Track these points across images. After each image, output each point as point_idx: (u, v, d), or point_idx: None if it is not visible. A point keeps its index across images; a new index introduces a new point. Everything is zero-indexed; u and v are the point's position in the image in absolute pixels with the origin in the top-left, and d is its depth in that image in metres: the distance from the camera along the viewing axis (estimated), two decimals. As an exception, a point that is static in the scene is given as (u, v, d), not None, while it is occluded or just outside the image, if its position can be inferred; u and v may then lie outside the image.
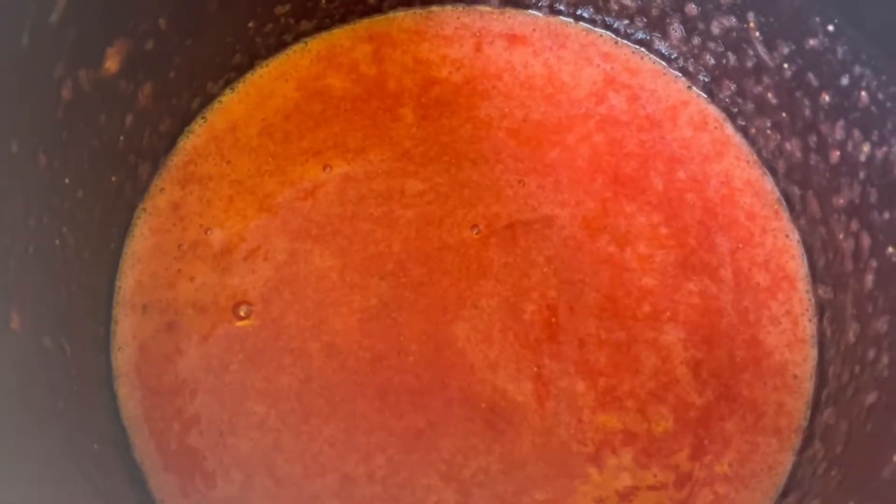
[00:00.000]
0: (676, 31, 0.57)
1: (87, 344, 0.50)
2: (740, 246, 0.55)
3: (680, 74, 0.58)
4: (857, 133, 0.49)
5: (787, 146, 0.54)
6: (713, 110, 0.58)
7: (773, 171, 0.56)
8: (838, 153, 0.51)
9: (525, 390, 0.51)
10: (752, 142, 0.57)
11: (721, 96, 0.57)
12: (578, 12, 0.59)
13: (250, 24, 0.57)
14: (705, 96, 0.58)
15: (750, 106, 0.56)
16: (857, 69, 0.48)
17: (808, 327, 0.53)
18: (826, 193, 0.52)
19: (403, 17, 0.59)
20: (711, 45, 0.56)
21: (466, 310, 0.53)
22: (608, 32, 0.59)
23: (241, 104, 0.57)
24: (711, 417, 0.51)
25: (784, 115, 0.54)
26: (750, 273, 0.54)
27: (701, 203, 0.55)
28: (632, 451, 0.50)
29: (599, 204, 0.55)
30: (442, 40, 0.59)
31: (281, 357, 0.52)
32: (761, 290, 0.54)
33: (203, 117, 0.57)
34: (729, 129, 0.57)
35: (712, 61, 0.57)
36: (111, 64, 0.49)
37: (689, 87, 0.58)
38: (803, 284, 0.54)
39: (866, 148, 0.48)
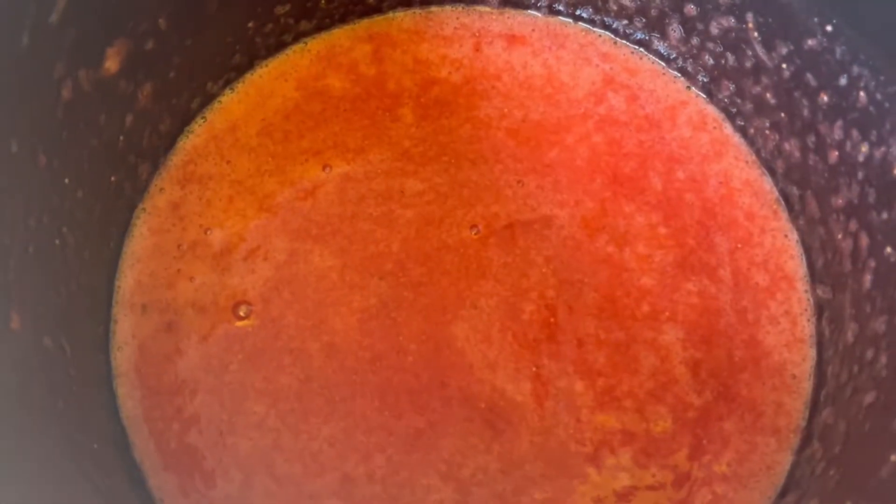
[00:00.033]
0: (675, 31, 0.57)
1: (86, 343, 0.50)
2: (739, 246, 0.55)
3: (679, 74, 0.58)
4: (855, 133, 0.49)
5: (786, 146, 0.54)
6: (712, 110, 0.58)
7: (771, 171, 0.56)
8: (837, 153, 0.51)
9: (524, 390, 0.51)
10: (750, 142, 0.57)
11: (720, 96, 0.57)
12: (577, 12, 0.59)
13: (250, 24, 0.57)
14: (704, 96, 0.58)
15: (749, 106, 0.56)
16: (856, 69, 0.48)
17: (807, 327, 0.53)
18: (825, 193, 0.52)
19: (403, 18, 0.60)
20: (710, 45, 0.56)
21: (465, 310, 0.53)
22: (607, 33, 0.59)
23: (241, 104, 0.58)
24: (710, 417, 0.51)
25: (783, 115, 0.54)
26: (749, 273, 0.54)
27: (700, 203, 0.55)
28: (630, 451, 0.51)
29: (598, 204, 0.55)
30: (441, 40, 0.59)
31: (280, 357, 0.52)
32: (760, 290, 0.54)
33: (203, 117, 0.57)
34: (728, 129, 0.57)
35: (711, 61, 0.57)
36: (111, 64, 0.49)
37: (688, 88, 0.58)
38: (802, 284, 0.54)
39: (865, 148, 0.48)
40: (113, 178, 0.52)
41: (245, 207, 0.55)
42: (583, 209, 0.55)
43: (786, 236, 0.55)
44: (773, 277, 0.54)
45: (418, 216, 0.55)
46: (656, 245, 0.54)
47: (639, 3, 0.57)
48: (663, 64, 0.59)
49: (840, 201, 0.51)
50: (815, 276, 0.54)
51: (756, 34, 0.53)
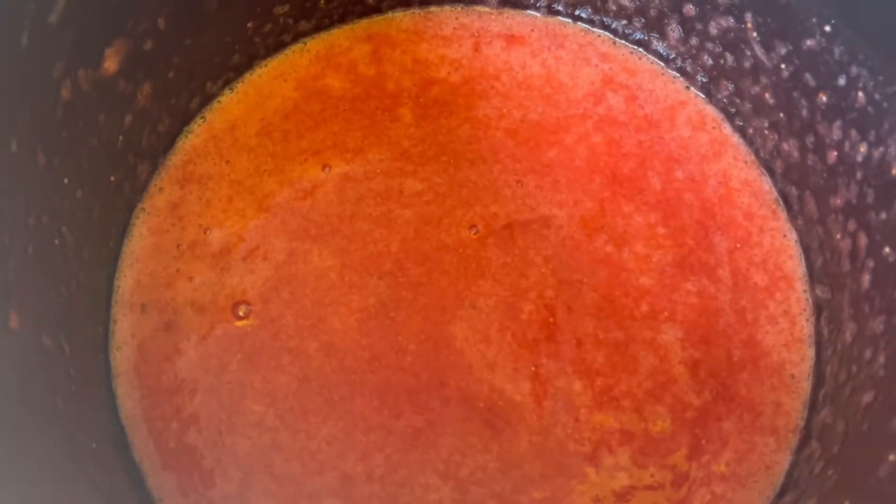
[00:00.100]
0: (674, 31, 0.57)
1: (86, 343, 0.50)
2: (738, 246, 0.55)
3: (678, 75, 0.58)
4: (854, 133, 0.49)
5: (785, 146, 0.54)
6: (711, 110, 0.58)
7: (770, 172, 0.56)
8: (835, 153, 0.51)
9: (523, 390, 0.51)
10: (749, 142, 0.57)
11: (719, 96, 0.57)
12: (577, 13, 0.59)
13: (249, 25, 0.57)
14: (703, 96, 0.58)
15: (748, 106, 0.56)
16: (854, 69, 0.48)
17: (806, 327, 0.53)
18: (823, 193, 0.52)
19: (402, 18, 0.60)
20: (709, 45, 0.56)
21: (464, 309, 0.53)
22: (606, 33, 0.59)
23: (240, 104, 0.58)
24: (709, 417, 0.51)
25: (781, 115, 0.54)
26: (748, 273, 0.54)
27: (699, 203, 0.56)
28: (629, 451, 0.51)
29: (597, 204, 0.55)
30: (440, 40, 0.59)
31: (279, 356, 0.52)
32: (759, 290, 0.54)
33: (202, 117, 0.57)
34: (727, 129, 0.57)
35: (710, 61, 0.57)
36: (110, 64, 0.49)
37: (687, 88, 0.58)
38: (801, 284, 0.54)
39: (863, 148, 0.48)
40: (112, 178, 0.52)
41: (244, 207, 0.55)
42: (582, 209, 0.55)
43: (784, 236, 0.55)
44: (771, 277, 0.54)
45: (417, 216, 0.55)
46: (655, 245, 0.54)
47: (638, 3, 0.57)
48: (662, 64, 0.59)
49: (839, 201, 0.51)
50: (813, 276, 0.54)
51: (755, 34, 0.53)
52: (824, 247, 0.53)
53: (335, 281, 0.53)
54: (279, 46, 0.59)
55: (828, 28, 0.49)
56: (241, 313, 0.53)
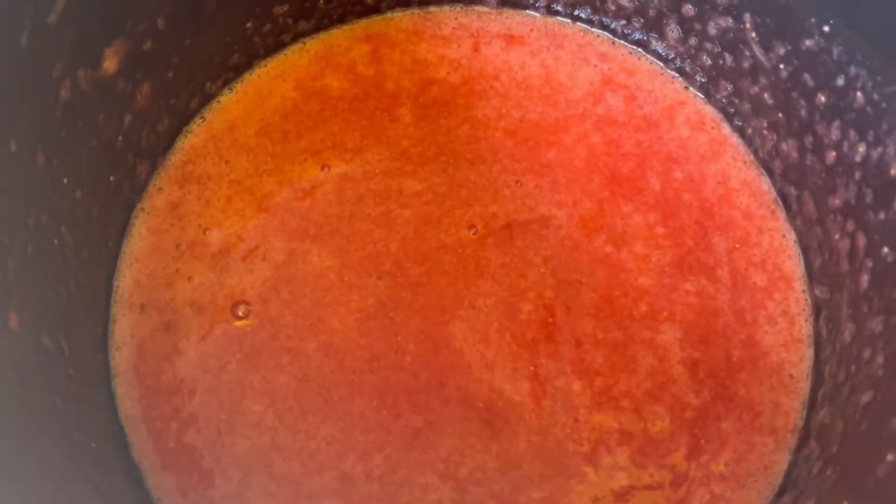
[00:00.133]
0: (673, 31, 0.57)
1: (85, 343, 0.50)
2: (737, 246, 0.55)
3: (677, 75, 0.58)
4: (852, 133, 0.49)
5: (784, 146, 0.54)
6: (710, 110, 0.58)
7: (769, 172, 0.56)
8: (834, 154, 0.51)
9: (522, 390, 0.51)
10: (748, 142, 0.57)
11: (718, 97, 0.57)
12: (576, 13, 0.59)
13: (248, 25, 0.57)
14: (702, 97, 0.58)
15: (746, 106, 0.56)
16: (853, 70, 0.48)
17: (805, 327, 0.53)
18: (822, 194, 0.52)
19: (401, 18, 0.60)
20: (708, 45, 0.56)
21: (464, 310, 0.53)
22: (605, 33, 0.59)
23: (240, 104, 0.58)
24: (708, 417, 0.51)
25: (780, 115, 0.54)
26: (747, 273, 0.54)
27: (698, 203, 0.56)
28: (628, 451, 0.51)
29: (596, 204, 0.55)
30: (440, 41, 0.59)
31: (279, 356, 0.52)
32: (758, 290, 0.54)
33: (201, 117, 0.57)
34: (726, 129, 0.57)
35: (709, 62, 0.57)
36: (110, 64, 0.49)
37: (686, 88, 0.58)
38: (800, 284, 0.54)
39: (862, 148, 0.49)
40: (112, 178, 0.52)
41: (244, 207, 0.55)
42: (581, 209, 0.55)
43: (783, 236, 0.55)
44: (770, 277, 0.54)
45: (416, 216, 0.55)
46: (654, 245, 0.54)
47: (637, 3, 0.57)
48: (661, 64, 0.59)
49: (837, 201, 0.51)
50: (812, 277, 0.54)
51: (754, 34, 0.53)
52: (823, 247, 0.53)
53: (334, 281, 0.53)
54: (278, 46, 0.59)
55: (826, 28, 0.49)
56: (240, 313, 0.53)
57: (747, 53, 0.54)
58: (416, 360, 0.52)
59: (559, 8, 0.59)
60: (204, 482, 0.50)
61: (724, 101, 0.57)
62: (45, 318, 0.46)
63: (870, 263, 0.49)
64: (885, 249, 0.48)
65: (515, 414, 0.51)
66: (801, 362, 0.53)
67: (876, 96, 0.47)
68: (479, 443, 0.51)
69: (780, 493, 0.50)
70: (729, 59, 0.56)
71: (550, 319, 0.53)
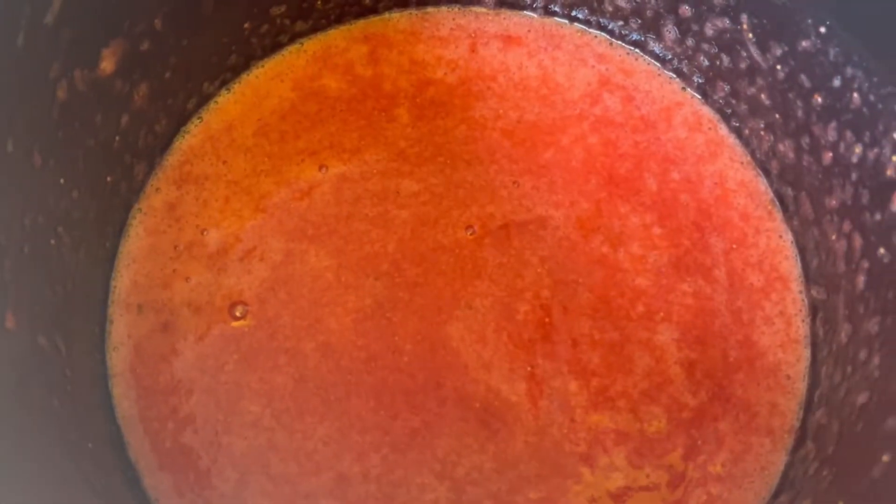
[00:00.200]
0: (670, 32, 0.57)
1: (82, 343, 0.50)
2: (734, 246, 0.55)
3: (674, 75, 0.58)
4: (849, 134, 0.49)
5: (781, 147, 0.54)
6: (707, 111, 0.58)
7: (766, 172, 0.56)
8: (831, 154, 0.51)
9: (518, 390, 0.51)
10: (745, 143, 0.57)
11: (715, 97, 0.57)
12: (573, 13, 0.59)
13: (246, 25, 0.57)
14: (699, 97, 0.58)
15: (743, 107, 0.56)
16: (849, 71, 0.48)
17: (802, 328, 0.53)
18: (819, 194, 0.52)
19: (399, 18, 0.60)
20: (705, 46, 0.56)
21: (461, 310, 0.53)
22: (603, 34, 0.59)
23: (237, 104, 0.58)
24: (705, 418, 0.52)
25: (777, 116, 0.54)
26: (744, 274, 0.54)
27: (695, 204, 0.56)
28: (624, 451, 0.51)
29: (593, 205, 0.55)
30: (437, 41, 0.59)
31: (276, 357, 0.52)
32: (755, 291, 0.54)
33: (199, 117, 0.57)
34: (723, 130, 0.57)
35: (706, 62, 0.57)
36: (107, 64, 0.49)
37: (684, 89, 0.58)
38: (796, 285, 0.54)
39: (858, 149, 0.49)
40: (109, 179, 0.52)
41: (241, 208, 0.55)
42: (578, 210, 0.55)
43: (780, 237, 0.55)
44: (767, 278, 0.54)
45: (414, 216, 0.55)
46: (651, 245, 0.55)
47: (634, 4, 0.57)
48: (658, 65, 0.59)
49: (834, 202, 0.51)
50: (809, 277, 0.54)
51: (751, 35, 0.53)
52: (820, 248, 0.53)
53: (332, 281, 0.53)
54: (276, 47, 0.59)
55: (823, 29, 0.49)
56: (237, 314, 0.53)
57: (744, 54, 0.54)
58: (413, 361, 0.52)
59: (556, 9, 0.60)
60: (201, 482, 0.50)
61: (721, 101, 0.57)
62: (41, 318, 0.46)
63: (866, 264, 0.49)
64: (882, 250, 0.48)
65: (512, 414, 0.51)
66: (797, 363, 0.53)
67: (872, 97, 0.47)
68: (476, 443, 0.51)
69: (777, 493, 0.50)
70: (726, 59, 0.56)
71: (547, 320, 0.53)
